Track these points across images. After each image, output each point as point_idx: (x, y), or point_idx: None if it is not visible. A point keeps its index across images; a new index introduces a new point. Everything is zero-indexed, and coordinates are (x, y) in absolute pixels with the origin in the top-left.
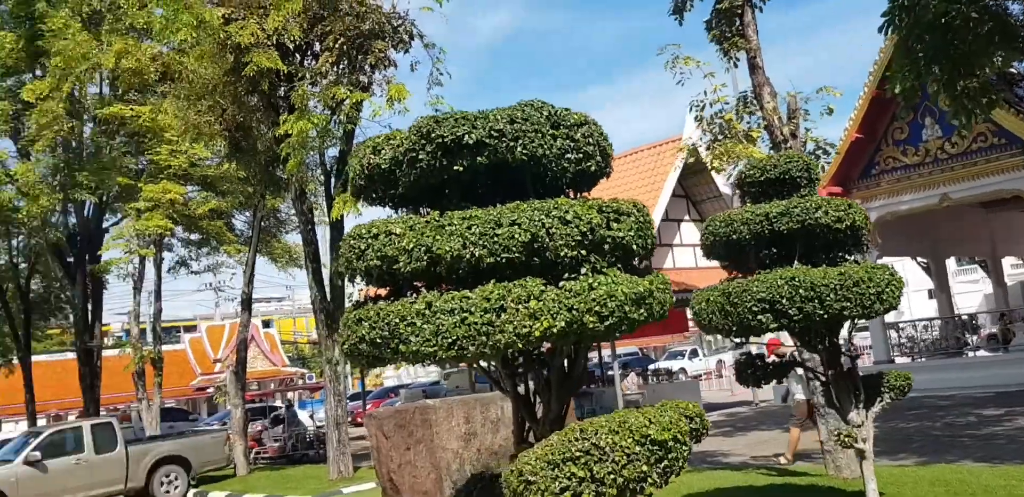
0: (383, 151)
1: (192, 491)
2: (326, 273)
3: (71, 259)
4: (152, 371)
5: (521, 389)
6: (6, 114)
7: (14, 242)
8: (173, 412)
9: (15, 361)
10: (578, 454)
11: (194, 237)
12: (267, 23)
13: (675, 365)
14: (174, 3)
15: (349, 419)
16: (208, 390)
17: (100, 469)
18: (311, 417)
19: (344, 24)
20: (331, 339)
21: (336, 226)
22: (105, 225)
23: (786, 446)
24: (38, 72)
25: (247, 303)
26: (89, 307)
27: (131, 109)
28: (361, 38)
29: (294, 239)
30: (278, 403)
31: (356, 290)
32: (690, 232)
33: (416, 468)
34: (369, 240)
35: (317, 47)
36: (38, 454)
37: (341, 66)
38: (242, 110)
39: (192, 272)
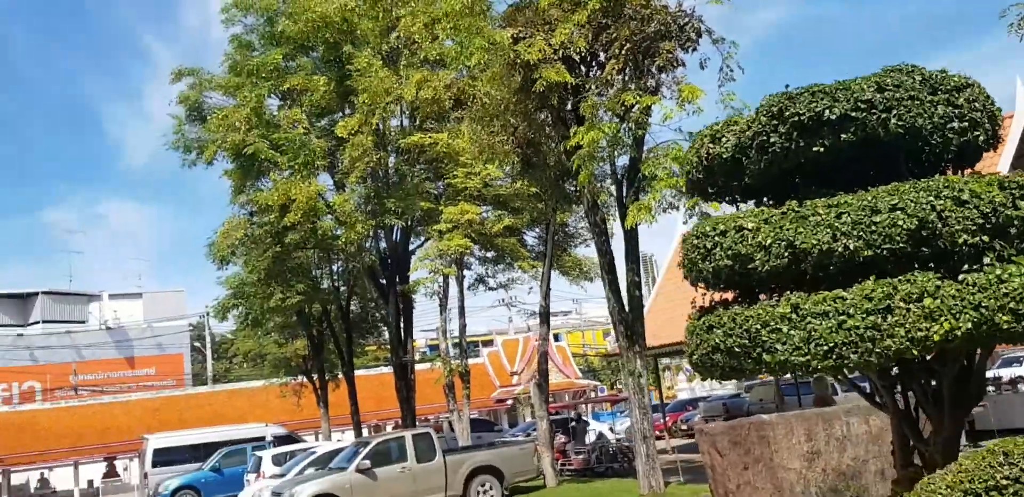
0: (724, 139)
1: None
2: (622, 284)
3: (383, 280)
4: (460, 384)
5: (900, 402)
6: (323, 151)
7: (334, 267)
8: (479, 423)
9: (340, 376)
10: (1004, 483)
11: (489, 255)
12: (553, 38)
13: (1011, 372)
14: (467, 30)
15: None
16: (507, 402)
17: (422, 477)
18: (611, 430)
19: (629, 29)
20: (632, 351)
21: (630, 235)
22: (411, 247)
23: None
24: (347, 110)
25: (545, 316)
26: (401, 324)
27: (429, 137)
28: (647, 41)
29: (583, 252)
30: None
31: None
32: None
33: (756, 489)
34: (716, 238)
35: (602, 56)
36: (368, 462)
37: (627, 72)
38: (532, 127)
39: (489, 288)
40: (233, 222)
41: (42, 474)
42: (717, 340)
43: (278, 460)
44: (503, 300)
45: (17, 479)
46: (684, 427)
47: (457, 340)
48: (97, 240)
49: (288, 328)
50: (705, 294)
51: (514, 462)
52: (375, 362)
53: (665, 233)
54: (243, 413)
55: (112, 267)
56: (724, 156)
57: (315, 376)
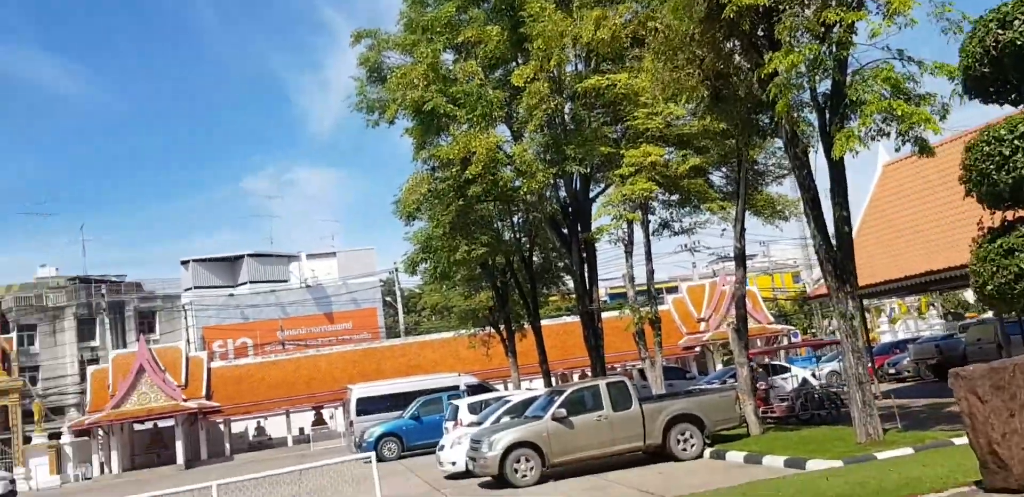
0: (1018, 22)
1: (708, 450)
2: (829, 220)
3: (565, 230)
4: (651, 331)
5: None
6: (500, 101)
7: (515, 219)
8: (670, 371)
9: (526, 326)
10: None
11: (674, 198)
12: None
13: None
14: None
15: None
16: (695, 349)
17: (619, 426)
18: (813, 376)
19: None
20: (842, 291)
21: (836, 167)
22: (592, 195)
23: None
24: (521, 59)
25: (740, 258)
26: (585, 273)
27: (607, 78)
28: None
29: (775, 190)
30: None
31: None
32: None
33: None
34: (1017, 142)
35: None
36: (564, 411)
37: None
38: (720, 57)
39: (674, 233)
40: (417, 178)
41: (258, 423)
42: (1022, 265)
43: (474, 408)
44: (685, 245)
45: (236, 428)
46: (892, 371)
47: (644, 287)
48: (292, 205)
49: (473, 281)
50: (994, 213)
51: (715, 410)
52: (558, 312)
53: (859, 167)
54: (435, 363)
55: (307, 229)
56: (1018, 43)
57: (501, 326)
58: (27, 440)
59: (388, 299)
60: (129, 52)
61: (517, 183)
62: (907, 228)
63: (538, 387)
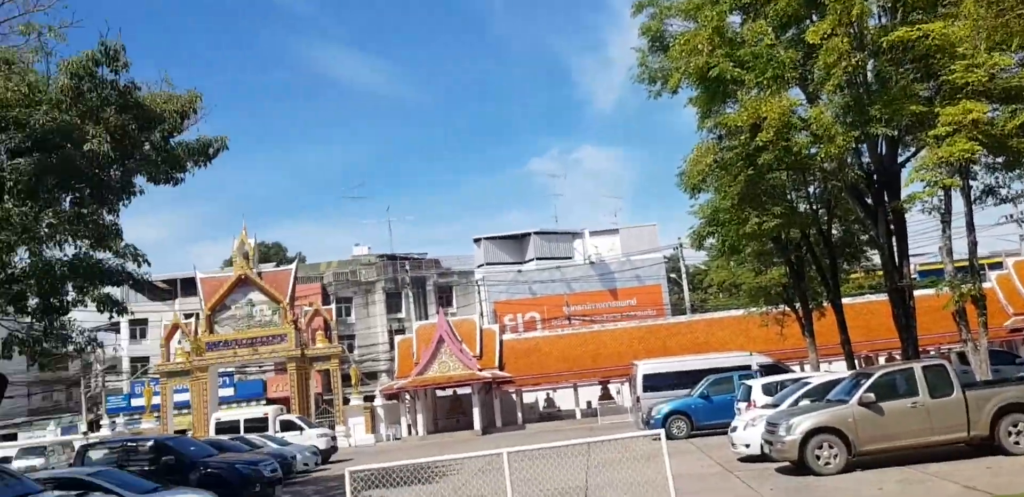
0: None
1: None
2: None
3: (869, 200)
4: (973, 310)
5: None
6: (793, 62)
7: (811, 189)
8: (996, 355)
9: (824, 304)
10: None
11: (999, 160)
12: None
13: None
14: None
15: None
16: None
17: (937, 414)
18: None
19: None
20: None
21: None
22: (900, 160)
23: None
24: (816, 16)
25: None
26: (894, 246)
27: (918, 29)
28: None
29: None
30: None
31: None
32: None
33: None
34: None
35: None
36: (872, 395)
37: None
38: None
39: (1000, 200)
40: (702, 148)
41: (547, 394)
42: None
43: (768, 389)
44: (1011, 216)
45: (528, 398)
46: None
47: (964, 261)
48: (576, 183)
49: (764, 255)
50: None
51: None
52: (859, 290)
53: None
54: (723, 342)
55: (590, 207)
56: None
57: (797, 305)
58: (345, 401)
59: (672, 276)
60: (422, 43)
61: (813, 150)
62: None
63: (839, 370)
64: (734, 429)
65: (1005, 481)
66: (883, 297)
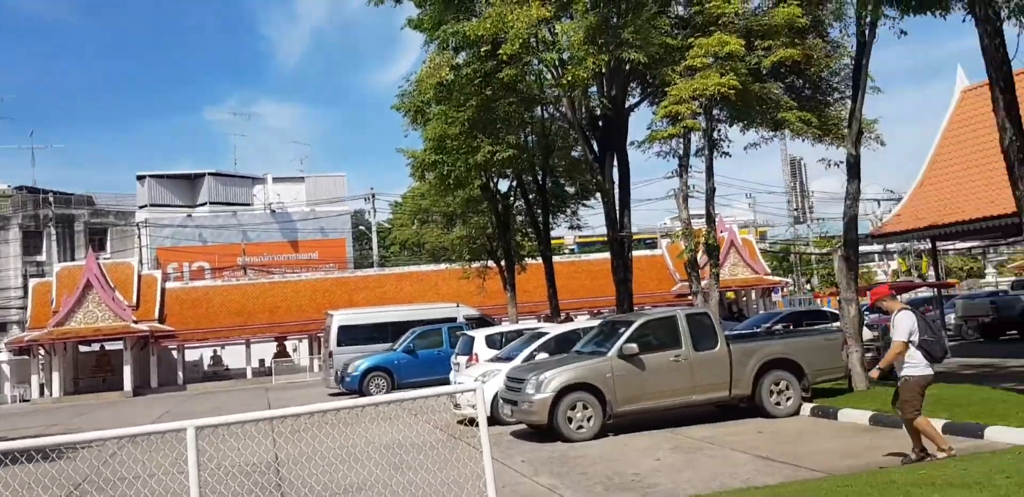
0: None
1: (808, 406)
2: None
3: (595, 143)
4: (707, 260)
5: None
6: None
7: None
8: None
9: (527, 260)
10: None
11: (724, 115)
12: None
13: None
14: None
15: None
16: (688, 297)
17: (700, 369)
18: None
19: None
20: None
21: None
22: (631, 103)
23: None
24: None
25: (855, 169)
26: (616, 194)
27: None
28: None
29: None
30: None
31: None
32: None
33: None
34: None
35: None
36: (635, 346)
37: None
38: None
39: (723, 154)
40: (436, 60)
41: (215, 351)
42: None
43: (492, 342)
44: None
45: (191, 355)
46: None
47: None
48: (257, 138)
49: (471, 202)
50: None
51: (818, 356)
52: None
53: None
54: (414, 297)
55: (273, 158)
56: None
57: (501, 259)
58: None
59: (361, 228)
60: None
61: (551, 79)
62: (982, 164)
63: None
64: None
65: (790, 449)
66: (580, 258)
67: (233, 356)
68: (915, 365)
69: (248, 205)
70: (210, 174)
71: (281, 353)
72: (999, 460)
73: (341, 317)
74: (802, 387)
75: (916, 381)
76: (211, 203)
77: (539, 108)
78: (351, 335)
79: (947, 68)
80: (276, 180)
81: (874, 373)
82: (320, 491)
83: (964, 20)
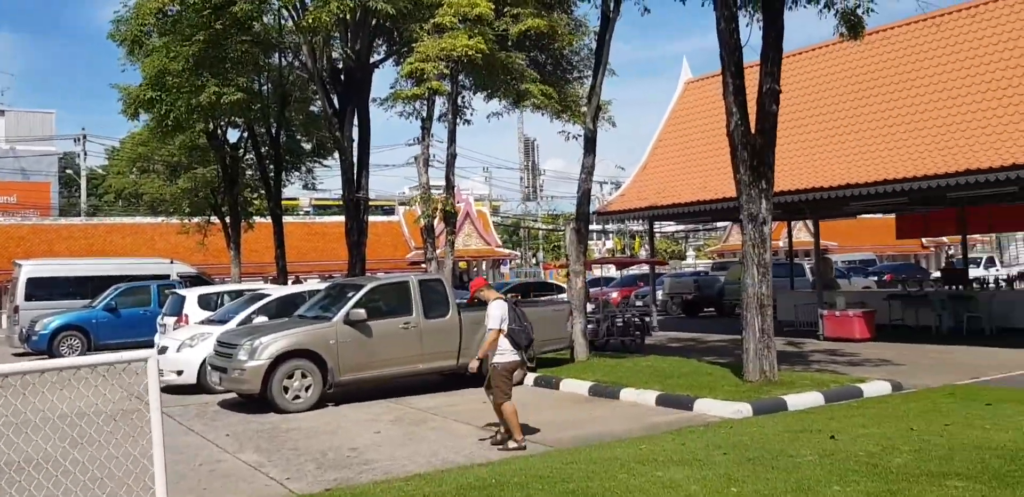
0: None
1: (532, 376)
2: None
3: (335, 97)
4: (443, 227)
5: None
6: None
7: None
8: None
9: (255, 218)
10: None
11: (467, 82)
12: None
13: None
14: None
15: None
16: (422, 265)
17: (431, 338)
18: (634, 296)
19: None
20: (756, 188)
21: (775, 22)
22: (375, 60)
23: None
24: None
25: (591, 143)
26: (355, 153)
27: None
28: None
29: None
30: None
31: None
32: None
33: None
34: None
35: None
36: (363, 312)
37: None
38: None
39: (466, 121)
40: None
41: None
42: None
43: (206, 302)
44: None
45: None
46: (639, 303)
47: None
48: None
49: (194, 150)
50: None
51: (544, 327)
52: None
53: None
54: (125, 251)
55: None
56: None
57: (226, 215)
58: None
59: (70, 172)
60: None
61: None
62: (698, 152)
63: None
64: (163, 350)
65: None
66: (306, 220)
67: None
68: (503, 352)
69: None
70: None
71: None
72: (714, 435)
73: (31, 268)
74: (528, 357)
75: (504, 367)
76: None
77: (277, 55)
78: (43, 289)
79: (671, 67)
80: None
81: (473, 364)
82: None
83: (703, 4)
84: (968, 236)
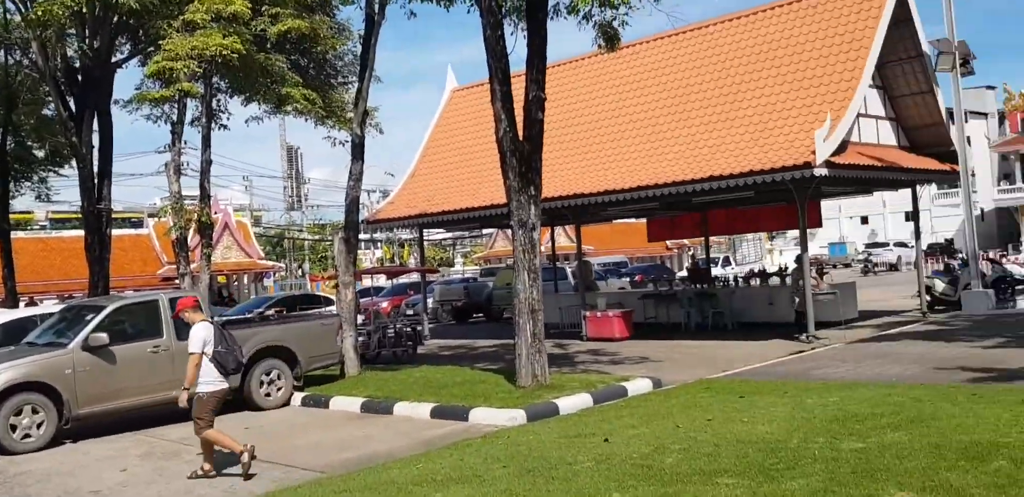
0: None
1: (299, 395)
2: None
3: (71, 99)
4: (199, 240)
5: None
6: None
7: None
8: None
9: None
10: None
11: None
12: None
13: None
14: None
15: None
16: (176, 281)
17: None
18: (406, 305)
19: None
20: (525, 194)
21: (539, 31)
22: (117, 59)
23: None
24: None
25: (359, 149)
26: (95, 159)
27: None
28: None
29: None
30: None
31: None
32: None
33: None
34: None
35: None
36: (104, 336)
37: None
38: None
39: (222, 126)
40: None
41: None
42: None
43: None
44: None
45: None
46: (410, 312)
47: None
48: None
49: None
50: None
51: (313, 342)
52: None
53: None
54: None
55: None
56: None
57: None
58: None
59: None
60: None
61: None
62: (466, 160)
63: None
64: None
65: (282, 446)
66: (31, 235)
67: None
68: (209, 381)
69: None
70: None
71: None
72: (491, 447)
73: None
74: (294, 376)
75: (211, 395)
76: None
77: (3, 52)
78: None
79: (438, 76)
80: None
81: (183, 397)
82: None
83: (469, 11)
84: None
